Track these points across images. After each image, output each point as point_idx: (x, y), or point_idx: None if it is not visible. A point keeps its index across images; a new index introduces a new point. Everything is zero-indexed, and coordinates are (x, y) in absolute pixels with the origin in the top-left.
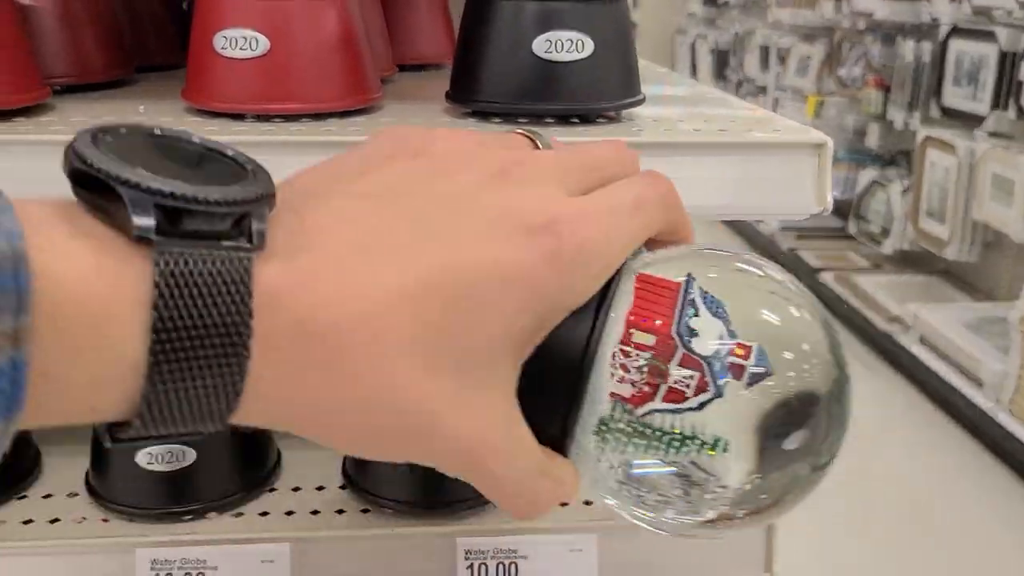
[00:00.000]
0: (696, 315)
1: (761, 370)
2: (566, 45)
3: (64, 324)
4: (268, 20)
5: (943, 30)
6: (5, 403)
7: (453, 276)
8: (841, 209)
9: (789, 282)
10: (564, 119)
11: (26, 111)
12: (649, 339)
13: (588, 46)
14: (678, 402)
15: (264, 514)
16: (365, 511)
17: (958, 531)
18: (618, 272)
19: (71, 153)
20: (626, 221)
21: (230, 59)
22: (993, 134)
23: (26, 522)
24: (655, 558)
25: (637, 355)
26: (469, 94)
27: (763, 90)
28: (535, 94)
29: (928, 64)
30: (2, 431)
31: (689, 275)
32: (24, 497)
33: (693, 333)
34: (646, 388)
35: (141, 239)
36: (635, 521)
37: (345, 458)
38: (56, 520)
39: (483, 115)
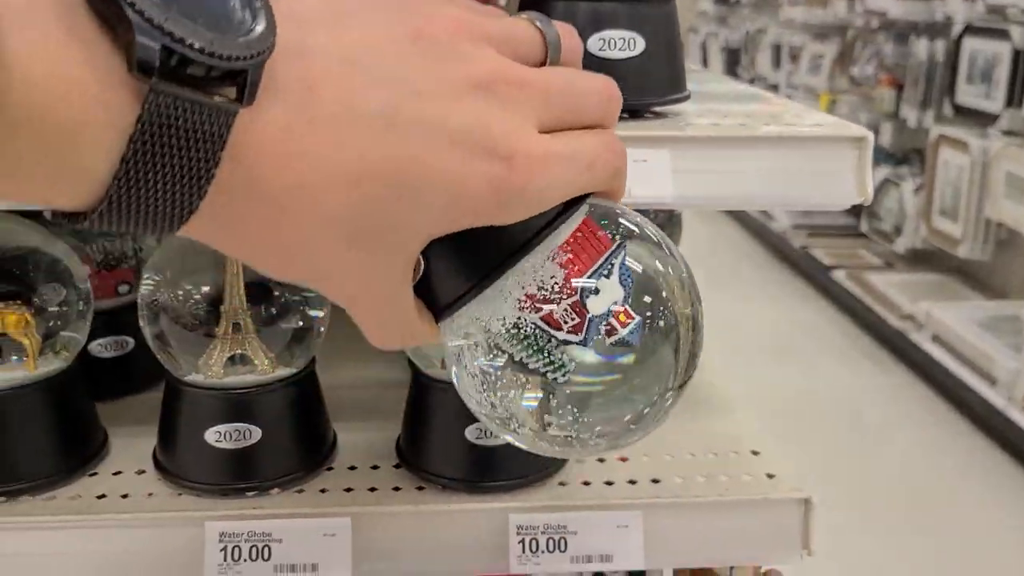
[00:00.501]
0: (607, 276)
1: (631, 338)
2: (619, 43)
3: (36, 128)
4: None
5: (957, 28)
6: None
7: (400, 171)
8: (853, 207)
9: (674, 251)
10: None
11: None
12: (559, 275)
13: (639, 44)
14: (550, 326)
15: (323, 491)
16: (420, 488)
17: (969, 526)
18: (577, 201)
19: None
20: (576, 175)
21: None
22: (1007, 132)
23: (99, 497)
24: (696, 534)
25: (542, 278)
26: None
27: (775, 88)
28: None
29: (941, 62)
30: None
31: (623, 241)
32: (95, 474)
33: (595, 291)
34: (532, 301)
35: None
36: (483, 420)
37: (399, 439)
38: (127, 495)
39: None
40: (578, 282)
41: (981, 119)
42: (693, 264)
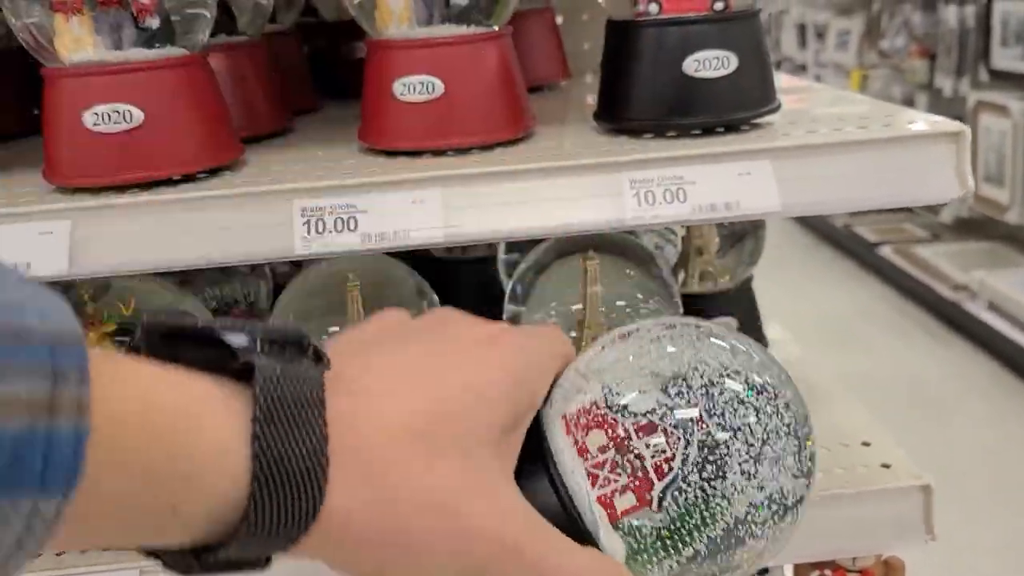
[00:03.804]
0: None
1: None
2: (713, 63)
3: (133, 447)
4: (443, 65)
5: None
6: (66, 474)
7: (452, 391)
8: None
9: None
10: (709, 130)
11: (228, 166)
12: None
13: (733, 62)
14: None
15: None
16: None
17: None
18: None
19: (161, 323)
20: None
21: (410, 103)
22: None
23: None
24: (820, 528)
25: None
26: (621, 113)
27: (803, 68)
28: (684, 110)
29: (973, 27)
30: (54, 514)
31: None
32: None
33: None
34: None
35: (241, 371)
36: None
37: None
38: None
39: (633, 132)
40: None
41: (1019, 82)
42: None
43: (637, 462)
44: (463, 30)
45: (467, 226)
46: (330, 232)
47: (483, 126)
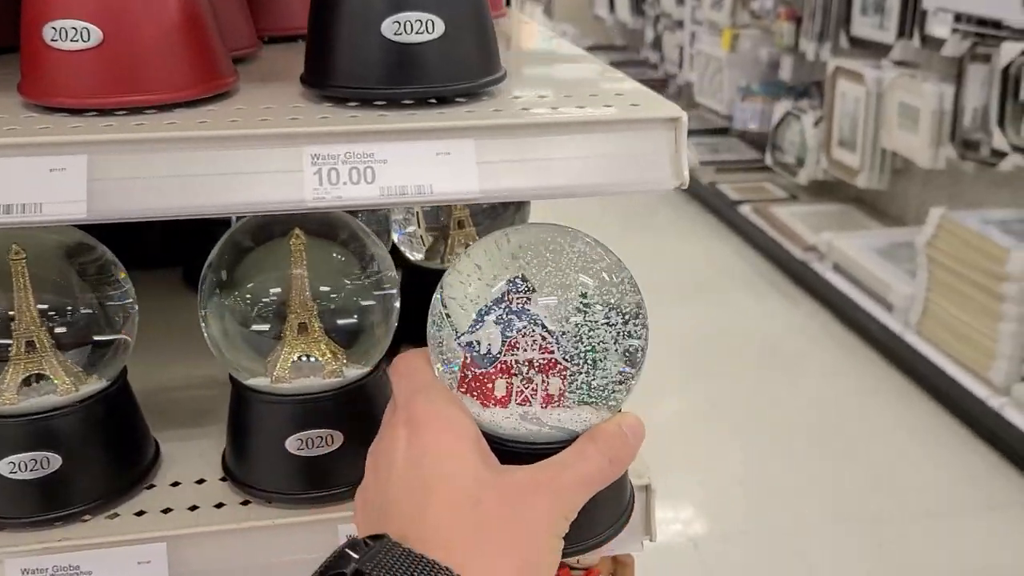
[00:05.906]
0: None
1: None
2: (416, 26)
3: None
4: (101, 9)
5: None
6: None
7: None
8: (758, 141)
9: None
10: (422, 101)
11: None
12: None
13: (439, 26)
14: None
15: (140, 513)
16: (245, 503)
17: (872, 445)
18: None
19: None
20: None
21: (63, 51)
22: (899, 63)
23: None
24: None
25: None
26: (323, 78)
27: (680, 25)
28: (389, 77)
29: None
30: None
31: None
32: None
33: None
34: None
35: None
36: None
37: (225, 450)
38: None
39: (339, 100)
40: None
41: (875, 50)
42: (610, 206)
43: (525, 365)
44: None
45: (115, 201)
46: None
47: (156, 83)
